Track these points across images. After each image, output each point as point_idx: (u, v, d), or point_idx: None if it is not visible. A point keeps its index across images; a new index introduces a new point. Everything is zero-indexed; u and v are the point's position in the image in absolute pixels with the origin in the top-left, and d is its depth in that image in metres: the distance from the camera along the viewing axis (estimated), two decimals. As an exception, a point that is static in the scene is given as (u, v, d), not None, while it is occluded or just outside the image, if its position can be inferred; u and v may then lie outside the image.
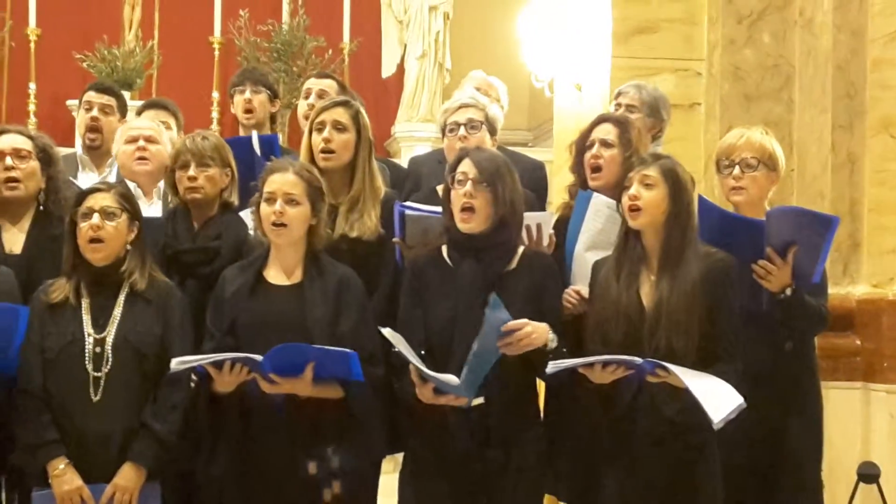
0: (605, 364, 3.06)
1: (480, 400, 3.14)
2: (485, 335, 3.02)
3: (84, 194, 3.36)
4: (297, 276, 3.28)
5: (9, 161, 3.53)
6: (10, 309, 3.20)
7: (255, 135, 4.35)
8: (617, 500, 3.21)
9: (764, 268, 3.40)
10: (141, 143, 4.00)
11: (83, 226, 3.27)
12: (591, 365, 3.07)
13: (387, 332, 3.10)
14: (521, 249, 3.32)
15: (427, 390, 3.11)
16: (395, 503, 3.37)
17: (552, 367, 3.06)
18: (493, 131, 3.94)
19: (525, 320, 3.08)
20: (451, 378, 3.05)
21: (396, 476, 3.44)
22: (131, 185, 4.04)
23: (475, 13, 9.15)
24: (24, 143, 3.59)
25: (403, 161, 7.11)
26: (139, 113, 4.80)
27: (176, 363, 3.06)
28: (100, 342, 3.25)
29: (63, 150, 4.02)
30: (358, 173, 3.61)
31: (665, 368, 3.02)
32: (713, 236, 3.34)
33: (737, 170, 3.57)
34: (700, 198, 3.47)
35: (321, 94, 4.53)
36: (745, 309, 3.30)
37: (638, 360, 3.05)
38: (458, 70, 8.27)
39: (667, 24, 5.33)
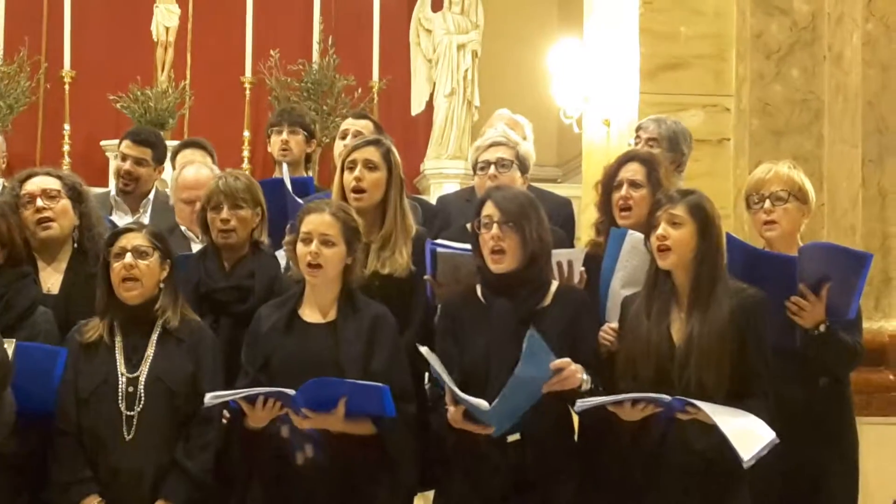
0: (635, 402, 3.05)
1: (517, 436, 3.14)
2: (524, 370, 3.00)
3: (116, 234, 3.39)
4: (331, 315, 3.29)
5: (39, 202, 3.57)
6: (50, 351, 3.23)
7: (286, 173, 4.39)
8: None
9: (797, 304, 3.38)
10: (198, 206, 4.04)
11: (116, 265, 3.31)
12: (620, 402, 3.06)
13: (424, 350, 3.11)
14: (554, 285, 3.33)
15: (458, 413, 3.11)
16: (426, 541, 3.37)
17: (580, 404, 3.06)
18: (524, 170, 3.96)
19: (568, 359, 3.08)
20: (482, 403, 3.04)
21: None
22: (183, 228, 4.10)
23: (503, 51, 9.20)
24: (53, 183, 3.63)
25: (432, 198, 7.15)
26: (175, 153, 4.87)
27: (210, 398, 3.08)
28: (133, 381, 3.27)
29: (97, 190, 4.08)
30: (389, 211, 3.63)
31: (694, 406, 3.01)
32: (742, 273, 3.32)
33: (767, 203, 3.56)
34: (728, 236, 3.46)
35: (357, 135, 4.57)
36: (779, 345, 3.28)
37: (667, 398, 3.04)
38: (486, 107, 8.31)
39: (695, 59, 5.33)
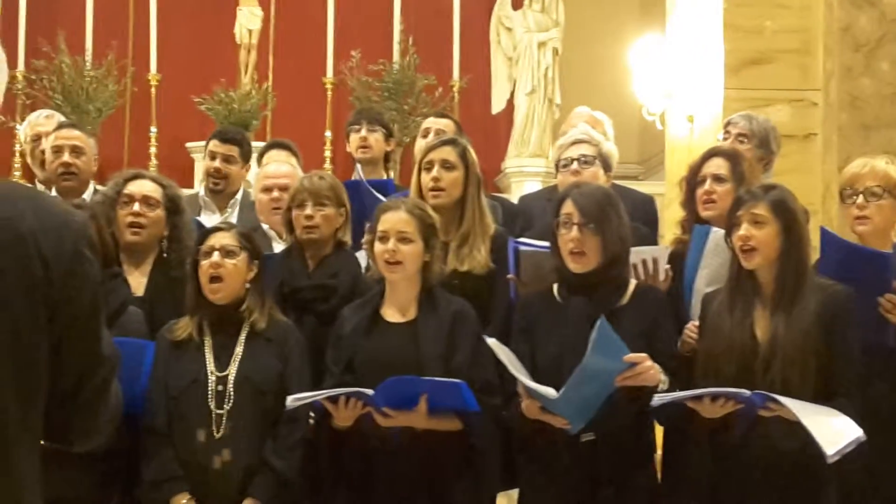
0: (714, 398, 3.00)
1: (591, 436, 3.11)
2: (593, 359, 2.96)
3: (206, 233, 3.45)
4: (411, 313, 3.31)
5: (137, 207, 3.64)
6: (138, 345, 3.28)
7: (360, 173, 4.41)
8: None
9: (890, 301, 3.30)
10: (276, 193, 4.08)
11: (204, 263, 3.36)
12: (699, 399, 3.02)
13: (491, 342, 3.10)
14: (633, 284, 3.30)
15: (534, 406, 3.09)
16: (510, 539, 3.36)
17: (658, 399, 3.02)
18: (607, 168, 3.93)
19: (645, 355, 3.04)
20: (549, 391, 3.01)
21: (511, 512, 3.43)
22: (265, 227, 4.15)
23: (584, 48, 9.15)
24: (155, 192, 3.69)
25: (513, 197, 7.13)
26: (262, 154, 4.93)
27: (291, 400, 3.11)
28: (222, 380, 3.32)
29: (185, 192, 4.14)
30: (468, 210, 3.63)
31: (776, 401, 2.95)
32: (836, 269, 3.26)
33: (860, 199, 3.49)
34: (823, 230, 3.41)
35: (439, 134, 4.58)
36: (870, 344, 3.22)
37: (747, 392, 2.98)
38: (567, 105, 8.24)
39: (780, 54, 5.26)
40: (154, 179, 3.77)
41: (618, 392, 3.05)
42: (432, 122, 4.82)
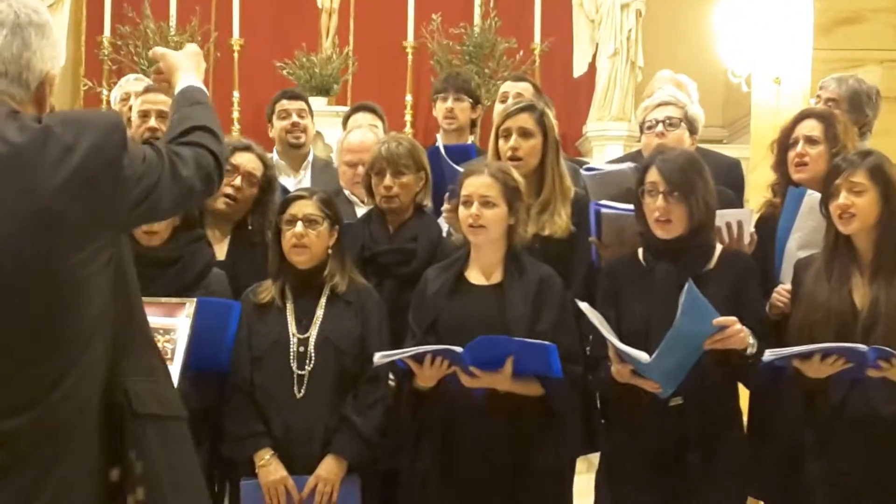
0: (825, 355, 2.96)
1: (679, 400, 3.09)
2: (683, 324, 2.94)
3: (288, 201, 3.48)
4: (497, 276, 3.30)
5: (238, 181, 3.70)
6: (224, 304, 3.34)
7: (440, 143, 4.41)
8: (825, 501, 3.11)
9: None
10: (360, 169, 4.10)
11: (287, 233, 3.39)
12: (808, 357, 2.98)
13: (583, 306, 3.08)
14: (719, 249, 3.25)
15: (625, 370, 3.07)
16: (590, 503, 3.35)
17: (769, 354, 2.99)
18: (693, 130, 3.87)
19: (734, 318, 3.00)
20: (642, 355, 2.99)
21: (589, 476, 3.43)
22: (347, 192, 4.18)
23: (668, 9, 8.99)
24: (257, 170, 3.75)
25: (595, 160, 7.06)
26: (347, 117, 4.97)
27: (379, 357, 3.12)
28: (303, 342, 3.36)
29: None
30: (547, 176, 3.60)
31: (890, 358, 2.91)
32: None
33: None
34: None
35: (517, 97, 4.54)
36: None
37: (863, 347, 2.94)
38: (650, 68, 8.12)
39: (873, 14, 5.12)
40: (260, 156, 3.80)
41: (705, 356, 3.03)
42: (510, 86, 4.78)
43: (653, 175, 3.18)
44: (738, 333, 2.99)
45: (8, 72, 1.88)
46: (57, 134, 1.82)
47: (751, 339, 3.04)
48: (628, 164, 3.75)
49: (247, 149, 3.78)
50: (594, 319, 3.05)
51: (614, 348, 3.04)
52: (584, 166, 3.57)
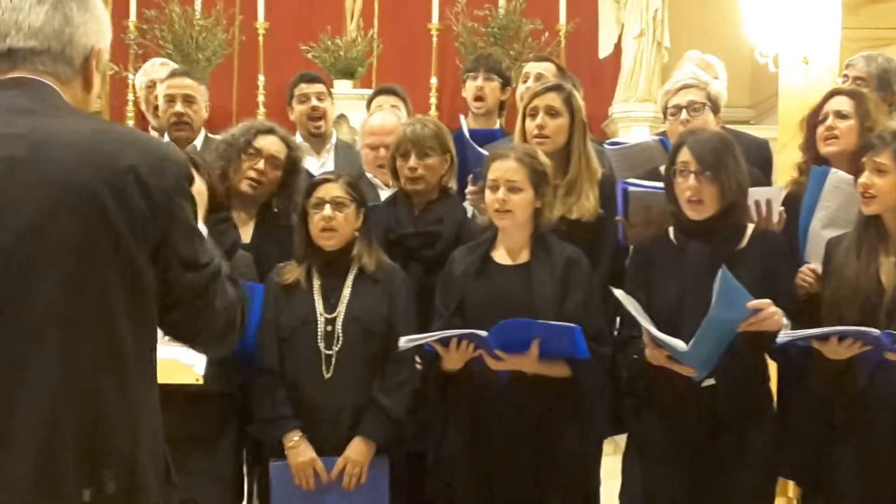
0: (841, 338, 2.94)
1: (711, 382, 3.08)
2: (719, 310, 2.93)
3: (314, 185, 3.48)
4: (524, 257, 3.29)
5: (261, 165, 3.70)
6: (249, 287, 3.33)
7: (464, 124, 4.41)
8: (854, 480, 3.10)
9: None
10: (381, 152, 4.10)
11: (315, 216, 3.40)
12: (825, 339, 2.96)
13: (619, 293, 3.07)
14: (750, 228, 3.23)
15: (660, 353, 3.06)
16: (617, 485, 3.35)
17: (783, 336, 2.98)
18: (716, 110, 3.84)
19: (768, 301, 2.98)
20: (679, 343, 2.99)
21: (616, 458, 3.42)
22: (369, 176, 4.18)
23: (694, -11, 8.93)
24: (281, 152, 3.75)
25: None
26: (371, 100, 4.95)
27: (404, 341, 3.12)
28: (331, 321, 3.37)
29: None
30: (574, 156, 3.59)
31: None
32: None
33: None
34: None
35: (539, 78, 4.53)
36: None
37: (875, 332, 2.93)
38: (676, 48, 8.07)
39: (902, -9, 5.06)
40: (283, 139, 3.81)
41: (738, 338, 3.02)
42: (532, 67, 4.77)
43: (684, 155, 3.16)
44: (772, 316, 2.98)
45: (51, 48, 1.83)
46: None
47: (784, 320, 3.02)
48: (653, 138, 3.73)
49: (269, 131, 3.78)
50: (630, 307, 3.05)
51: (650, 335, 3.04)
52: (608, 140, 3.55)
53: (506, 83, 4.91)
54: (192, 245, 1.89)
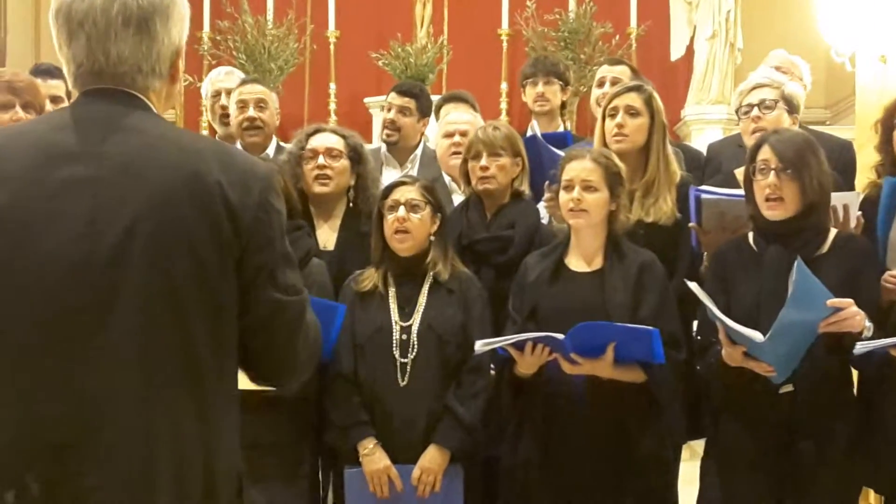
0: None
1: (790, 388, 3.03)
2: (796, 304, 2.85)
3: (390, 187, 3.50)
4: (597, 263, 3.28)
5: (321, 160, 3.73)
6: (331, 307, 3.33)
7: (536, 128, 4.39)
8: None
9: None
10: (457, 138, 4.11)
11: (389, 218, 3.41)
12: None
13: (693, 285, 3.03)
14: (833, 233, 3.17)
15: (737, 353, 3.00)
16: (694, 491, 3.31)
17: (860, 346, 2.92)
18: (792, 110, 3.78)
19: (850, 300, 2.91)
20: (755, 334, 2.93)
21: (693, 464, 3.38)
22: (446, 178, 4.18)
23: (767, -12, 8.81)
24: (337, 143, 3.77)
25: (694, 145, 6.94)
26: (438, 107, 4.94)
27: (480, 345, 3.12)
28: (406, 330, 3.38)
29: (368, 146, 4.20)
30: (652, 157, 3.57)
31: None
32: None
33: None
34: None
35: (615, 82, 4.49)
36: None
37: None
38: (749, 49, 7.97)
39: (983, -14, 4.93)
40: (334, 131, 3.86)
41: (818, 343, 2.96)
42: (607, 71, 4.74)
43: (765, 153, 3.11)
44: (853, 316, 2.91)
45: (142, 68, 1.83)
46: None
47: (867, 323, 2.95)
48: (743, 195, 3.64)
49: (317, 130, 3.82)
50: (704, 299, 3.00)
51: (725, 329, 2.99)
52: (697, 188, 3.48)
53: (565, 84, 4.93)
54: (282, 271, 1.85)
